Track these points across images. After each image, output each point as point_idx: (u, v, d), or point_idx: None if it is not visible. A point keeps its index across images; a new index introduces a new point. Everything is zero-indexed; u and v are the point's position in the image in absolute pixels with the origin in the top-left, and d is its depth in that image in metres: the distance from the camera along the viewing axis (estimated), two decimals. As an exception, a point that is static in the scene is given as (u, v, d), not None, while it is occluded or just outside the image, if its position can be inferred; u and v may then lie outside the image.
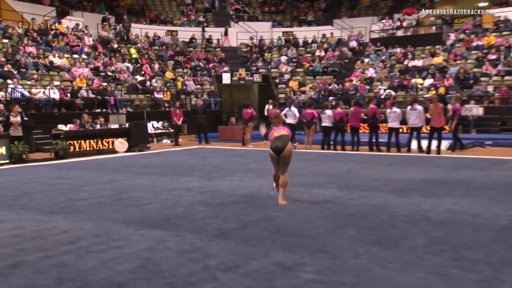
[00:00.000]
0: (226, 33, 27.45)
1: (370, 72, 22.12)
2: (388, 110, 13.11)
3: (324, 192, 7.09)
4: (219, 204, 6.36)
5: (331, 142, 13.84)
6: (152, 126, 18.33)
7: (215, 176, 8.81)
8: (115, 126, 15.80)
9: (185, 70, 24.12)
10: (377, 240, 4.57)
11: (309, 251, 4.30)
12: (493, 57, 19.37)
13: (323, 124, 14.02)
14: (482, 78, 18.55)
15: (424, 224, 5.14)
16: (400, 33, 24.42)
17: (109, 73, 20.29)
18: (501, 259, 3.98)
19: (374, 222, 5.28)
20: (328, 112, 13.84)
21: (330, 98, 20.83)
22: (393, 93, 19.91)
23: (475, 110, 16.54)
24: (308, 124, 14.22)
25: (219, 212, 5.85)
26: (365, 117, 13.80)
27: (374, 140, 13.25)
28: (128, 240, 4.75)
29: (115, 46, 23.17)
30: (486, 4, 24.08)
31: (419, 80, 20.05)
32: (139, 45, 24.54)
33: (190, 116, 18.32)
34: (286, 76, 24.26)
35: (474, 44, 20.83)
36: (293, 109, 14.59)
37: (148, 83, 21.21)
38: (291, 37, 27.50)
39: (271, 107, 16.82)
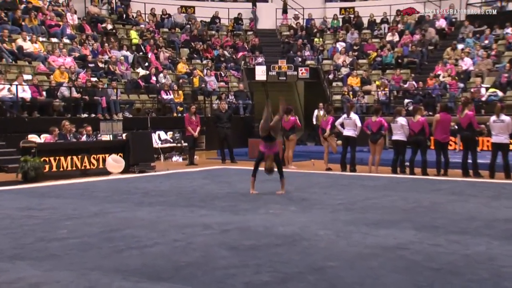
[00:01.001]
0: (285, 10, 27.55)
1: (466, 64, 21.84)
2: (492, 119, 12.86)
3: (396, 234, 6.98)
4: (249, 247, 6.33)
5: (407, 163, 13.69)
6: (159, 138, 18.61)
7: (243, 209, 8.81)
8: (108, 137, 16.08)
9: (205, 62, 24.44)
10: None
11: (377, 319, 4.21)
12: None
13: (394, 137, 13.94)
14: None
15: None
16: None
17: (101, 65, 20.77)
18: None
19: (473, 280, 5.13)
20: (402, 120, 13.69)
21: (406, 101, 20.69)
22: (500, 93, 19.57)
23: None
24: (373, 137, 14.11)
25: (248, 259, 5.82)
26: (456, 127, 13.57)
27: (470, 160, 13.03)
28: (121, 296, 4.76)
29: (109, 27, 23.72)
30: None
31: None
32: (142, 26, 25.05)
33: (211, 125, 18.48)
34: (344, 71, 24.22)
35: None
36: (353, 116, 14.52)
37: (154, 78, 21.59)
38: (352, 15, 27.55)
39: (321, 113, 16.78)
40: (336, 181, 12.54)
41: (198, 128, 16.83)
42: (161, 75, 21.80)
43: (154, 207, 9.03)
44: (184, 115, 17.80)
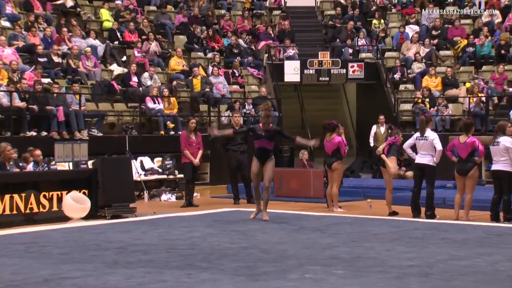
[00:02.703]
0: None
1: None
2: None
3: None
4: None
5: None
6: (142, 167, 18.63)
7: (265, 272, 8.78)
8: (66, 166, 16.14)
9: (210, 55, 24.54)
10: None
11: None
12: None
13: (495, 167, 13.91)
14: None
15: None
16: None
17: (56, 59, 20.88)
18: None
19: None
20: (507, 142, 13.63)
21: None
22: None
23: None
24: (462, 166, 14.02)
25: None
26: None
27: None
28: None
29: (69, 3, 23.88)
30: None
31: None
32: (118, 2, 25.19)
33: (218, 148, 18.50)
34: (417, 67, 24.21)
35: None
36: (431, 135, 14.46)
37: (135, 80, 21.72)
38: (430, -14, 27.66)
39: (383, 130, 16.71)
40: (404, 232, 12.47)
41: (200, 152, 16.93)
42: (146, 74, 21.91)
43: (135, 270, 9.00)
44: (180, 133, 17.84)
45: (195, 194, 17.04)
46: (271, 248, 10.46)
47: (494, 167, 13.89)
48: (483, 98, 21.94)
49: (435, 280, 8.24)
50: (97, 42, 22.79)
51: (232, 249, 10.51)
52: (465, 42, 24.88)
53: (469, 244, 10.99)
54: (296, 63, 24.36)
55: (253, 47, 25.68)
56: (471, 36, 25.00)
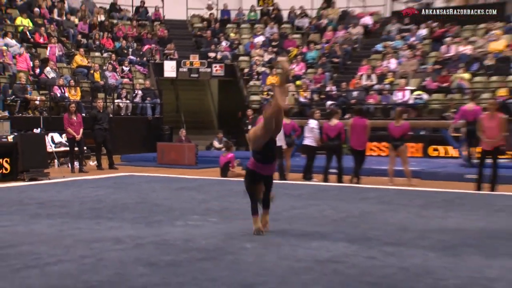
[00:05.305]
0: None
1: (392, 64, 22.53)
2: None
3: (328, 246, 7.13)
4: (168, 263, 6.30)
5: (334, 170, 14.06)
6: (52, 141, 18.15)
7: (157, 220, 8.75)
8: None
9: (105, 54, 24.06)
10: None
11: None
12: None
13: (305, 142, 14.45)
14: None
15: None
16: (439, 2, 25.00)
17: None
18: None
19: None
20: (313, 123, 14.14)
21: (329, 103, 21.09)
22: (425, 96, 20.36)
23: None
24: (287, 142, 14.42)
25: (169, 277, 5.79)
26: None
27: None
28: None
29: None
30: None
31: (466, 75, 20.46)
32: (36, 10, 24.05)
33: (113, 126, 18.22)
34: (262, 68, 24.47)
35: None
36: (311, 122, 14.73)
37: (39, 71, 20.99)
38: (271, 8, 27.88)
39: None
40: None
41: (81, 130, 16.61)
42: (48, 68, 21.05)
43: (55, 220, 8.79)
44: (63, 115, 17.36)
45: (92, 162, 16.70)
46: (160, 203, 10.43)
47: (304, 142, 14.53)
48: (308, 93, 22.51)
49: (282, 224, 8.42)
50: (13, 42, 21.76)
51: (131, 203, 10.40)
52: (296, 50, 25.31)
53: (303, 198, 11.26)
54: (173, 63, 24.24)
55: (139, 49, 25.29)
56: (300, 46, 25.54)
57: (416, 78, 21.63)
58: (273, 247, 7.04)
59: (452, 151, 17.96)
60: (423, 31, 23.75)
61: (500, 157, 12.74)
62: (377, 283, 5.65)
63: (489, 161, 12.42)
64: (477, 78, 20.66)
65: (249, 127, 19.82)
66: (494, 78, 20.34)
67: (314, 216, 9.23)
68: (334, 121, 13.99)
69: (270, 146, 7.58)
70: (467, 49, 21.86)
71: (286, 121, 14.25)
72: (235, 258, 6.52)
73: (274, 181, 8.07)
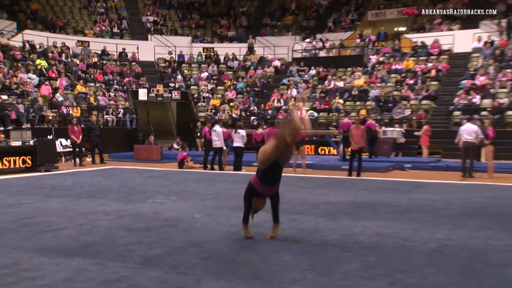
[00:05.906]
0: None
1: (294, 92, 22.78)
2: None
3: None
4: (142, 229, 6.18)
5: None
6: (60, 144, 17.49)
7: (134, 199, 8.57)
8: (17, 143, 14.86)
9: (98, 84, 23.38)
10: (312, 266, 4.67)
11: (244, 278, 4.30)
12: (411, 81, 20.85)
13: (235, 144, 14.08)
14: (403, 102, 19.81)
15: (356, 248, 5.34)
16: (322, 53, 25.50)
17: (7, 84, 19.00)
18: (435, 284, 4.22)
19: (307, 247, 5.39)
20: (243, 132, 14.05)
21: (252, 118, 21.17)
22: (315, 114, 20.68)
23: (396, 133, 17.61)
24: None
25: (142, 238, 5.69)
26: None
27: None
28: (41, 270, 4.46)
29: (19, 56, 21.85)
30: (404, 28, 25.93)
31: (341, 101, 20.95)
32: (50, 54, 23.21)
33: (102, 134, 17.70)
34: (206, 94, 24.28)
35: (394, 67, 22.30)
36: (241, 131, 14.28)
37: (53, 96, 20.15)
38: (212, 53, 27.73)
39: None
40: (204, 177, 12.51)
41: (81, 136, 16.02)
42: (58, 94, 20.34)
43: (62, 199, 8.53)
44: (68, 126, 16.84)
45: (88, 159, 16.17)
46: (136, 187, 10.21)
47: (234, 144, 14.07)
48: (238, 111, 22.45)
49: (221, 201, 8.36)
50: (33, 76, 20.82)
51: (115, 187, 10.16)
52: (229, 82, 25.19)
53: (236, 182, 11.15)
54: (145, 90, 23.61)
55: (120, 80, 24.62)
56: (233, 79, 25.49)
57: (309, 102, 21.93)
58: (214, 216, 7.01)
59: (333, 151, 18.25)
60: (313, 71, 24.12)
61: (363, 154, 13.08)
62: (283, 240, 5.70)
63: (356, 157, 12.73)
64: (348, 103, 21.11)
65: (198, 134, 19.71)
66: (358, 103, 20.86)
67: (242, 195, 9.21)
68: (260, 130, 13.97)
69: (273, 170, 5.70)
70: (341, 84, 22.35)
71: (224, 129, 14.24)
72: (188, 225, 6.45)
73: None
